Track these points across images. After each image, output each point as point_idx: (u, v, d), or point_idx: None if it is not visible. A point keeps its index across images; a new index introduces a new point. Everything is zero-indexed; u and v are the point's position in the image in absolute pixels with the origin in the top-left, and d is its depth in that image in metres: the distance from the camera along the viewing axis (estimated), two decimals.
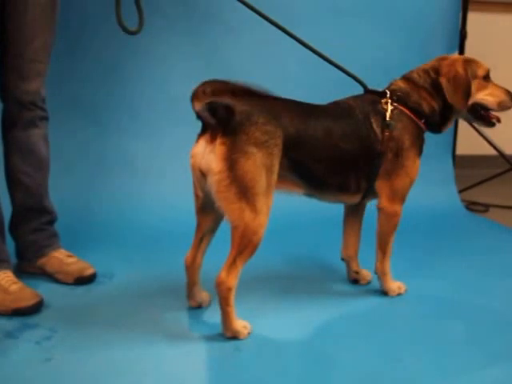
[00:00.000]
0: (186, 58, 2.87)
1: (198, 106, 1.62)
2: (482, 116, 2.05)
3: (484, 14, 3.87)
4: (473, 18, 3.47)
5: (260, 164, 1.66)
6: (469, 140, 3.56)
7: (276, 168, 1.72)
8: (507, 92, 2.04)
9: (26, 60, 1.96)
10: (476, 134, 3.38)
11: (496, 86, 2.04)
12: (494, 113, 2.06)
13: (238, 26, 2.87)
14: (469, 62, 2.01)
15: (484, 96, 2.02)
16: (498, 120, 2.07)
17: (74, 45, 2.72)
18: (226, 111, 1.65)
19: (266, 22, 2.12)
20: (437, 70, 1.99)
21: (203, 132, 1.71)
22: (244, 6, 2.11)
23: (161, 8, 2.76)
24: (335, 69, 2.16)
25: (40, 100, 2.04)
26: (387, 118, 1.91)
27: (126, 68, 2.83)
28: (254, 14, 2.11)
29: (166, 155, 2.88)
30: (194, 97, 1.61)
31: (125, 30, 2.06)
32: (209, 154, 1.65)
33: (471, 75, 1.99)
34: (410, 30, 3.12)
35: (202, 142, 1.68)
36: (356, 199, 2.00)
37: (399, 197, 1.97)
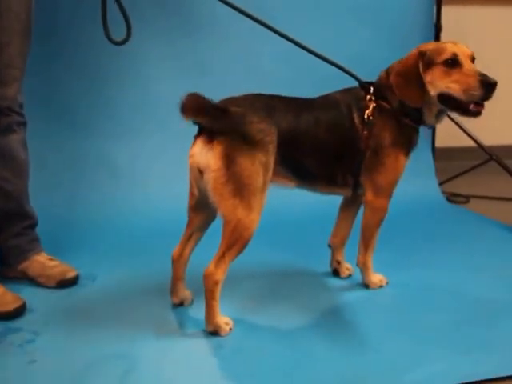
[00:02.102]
0: (165, 60, 2.88)
1: (188, 118, 1.67)
2: (456, 106, 1.85)
3: (458, 6, 3.91)
4: (447, 11, 3.50)
5: (257, 162, 1.70)
6: (448, 132, 3.59)
7: (271, 165, 1.75)
8: (479, 77, 1.79)
9: (2, 65, 1.96)
10: (455, 126, 3.41)
11: (466, 70, 1.82)
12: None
13: (217, 26, 2.89)
14: (426, 51, 1.86)
15: (448, 84, 1.83)
16: (478, 107, 1.82)
17: (53, 49, 2.72)
18: (221, 112, 1.68)
19: (246, 22, 2.12)
20: None
21: (200, 133, 1.74)
22: (223, 6, 2.10)
23: (139, 10, 2.76)
24: (318, 65, 2.16)
25: (17, 105, 2.03)
26: (365, 116, 1.90)
27: (107, 71, 2.83)
28: (233, 13, 2.11)
29: (148, 157, 2.89)
30: (182, 111, 1.65)
31: (112, 41, 2.08)
32: (207, 153, 1.69)
33: (426, 64, 1.85)
34: (383, 23, 3.16)
35: (200, 143, 1.72)
36: (346, 192, 2.01)
37: (384, 192, 1.98)
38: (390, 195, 2.00)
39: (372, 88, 1.94)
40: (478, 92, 1.79)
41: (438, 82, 1.85)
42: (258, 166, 1.70)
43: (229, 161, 1.66)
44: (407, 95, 1.88)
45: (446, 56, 1.84)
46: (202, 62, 2.92)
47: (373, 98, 1.92)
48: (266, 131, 1.74)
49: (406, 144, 1.95)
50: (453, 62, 1.83)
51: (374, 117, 1.90)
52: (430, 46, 1.91)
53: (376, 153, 1.91)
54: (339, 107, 1.92)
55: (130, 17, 2.09)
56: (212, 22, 2.89)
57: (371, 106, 1.91)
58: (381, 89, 1.94)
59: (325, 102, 1.94)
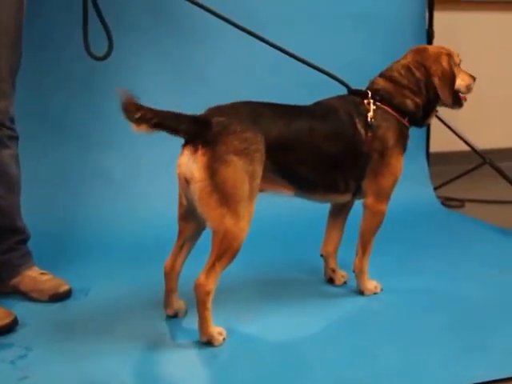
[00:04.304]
0: (159, 70, 2.86)
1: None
2: (456, 100, 2.10)
3: (450, 12, 3.92)
4: (439, 16, 3.50)
5: (241, 171, 1.69)
6: (441, 137, 3.59)
7: (258, 173, 1.74)
8: (470, 74, 2.12)
9: None
10: (448, 130, 3.41)
11: (462, 70, 2.12)
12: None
13: (209, 35, 2.88)
14: (450, 54, 2.05)
15: (459, 82, 2.08)
16: (466, 99, 2.14)
17: (46, 62, 2.71)
18: (201, 124, 1.69)
19: (237, 30, 2.13)
20: (419, 66, 2.01)
21: (186, 143, 1.74)
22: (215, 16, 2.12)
23: (131, 20, 2.77)
24: (310, 72, 2.17)
25: (8, 119, 2.02)
26: (369, 119, 1.93)
27: (100, 84, 2.81)
28: (224, 22, 2.12)
29: (144, 170, 2.86)
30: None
31: (93, 56, 2.09)
32: (192, 164, 1.69)
33: (453, 66, 2.05)
34: (376, 30, 3.16)
35: (187, 152, 1.72)
36: (346, 198, 2.02)
37: (385, 195, 2.00)
38: (388, 198, 2.02)
39: (370, 93, 1.98)
40: (473, 86, 2.12)
41: (457, 81, 2.08)
42: (242, 174, 1.69)
43: (212, 171, 1.67)
44: (449, 96, 2.04)
45: (458, 58, 2.11)
46: (195, 72, 2.91)
47: (371, 101, 1.96)
48: (251, 140, 1.72)
49: (404, 145, 2.02)
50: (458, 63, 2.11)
51: (376, 119, 1.94)
52: (447, 49, 2.09)
53: (382, 155, 1.95)
54: (338, 113, 1.93)
55: (114, 32, 2.10)
56: (205, 32, 2.88)
57: (372, 110, 1.94)
58: (383, 93, 1.98)
59: (321, 109, 1.95)
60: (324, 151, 1.88)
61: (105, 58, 2.11)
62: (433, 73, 2.00)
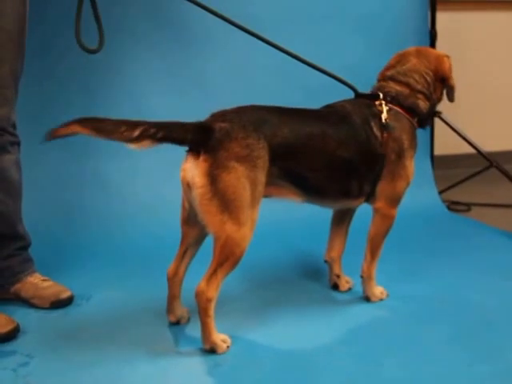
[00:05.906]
0: (158, 75, 2.86)
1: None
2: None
3: (452, 12, 3.90)
4: (441, 17, 3.49)
5: (242, 177, 1.67)
6: (446, 140, 3.57)
7: (261, 180, 1.72)
8: None
9: None
10: (453, 133, 3.38)
11: None
12: None
13: (209, 39, 2.87)
14: (448, 56, 2.07)
15: None
16: None
17: (45, 67, 2.70)
18: (203, 131, 1.68)
19: (240, 34, 2.11)
20: (428, 70, 2.02)
21: (190, 149, 1.73)
22: (214, 19, 2.09)
23: (128, 24, 2.77)
24: (311, 75, 2.16)
25: (10, 125, 2.01)
26: (383, 120, 1.91)
27: (99, 88, 2.81)
28: (226, 26, 2.10)
29: (143, 176, 2.86)
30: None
31: (84, 48, 2.07)
32: (194, 170, 1.68)
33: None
34: (378, 31, 3.14)
35: (190, 158, 1.71)
36: (359, 202, 2.00)
37: (396, 199, 1.99)
38: (399, 202, 2.01)
39: (381, 94, 1.97)
40: None
41: None
42: (244, 181, 1.67)
43: (213, 178, 1.65)
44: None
45: None
46: (195, 76, 2.90)
47: (383, 102, 1.95)
48: (253, 146, 1.70)
49: (416, 146, 2.01)
50: None
51: (390, 120, 1.93)
52: (437, 51, 2.15)
53: (399, 156, 1.93)
54: (351, 117, 1.90)
55: (113, 36, 2.09)
56: (205, 36, 2.87)
57: (385, 110, 1.93)
58: (394, 95, 1.97)
59: (333, 113, 1.92)
60: (338, 156, 1.85)
61: (97, 50, 2.09)
62: (448, 75, 2.04)
